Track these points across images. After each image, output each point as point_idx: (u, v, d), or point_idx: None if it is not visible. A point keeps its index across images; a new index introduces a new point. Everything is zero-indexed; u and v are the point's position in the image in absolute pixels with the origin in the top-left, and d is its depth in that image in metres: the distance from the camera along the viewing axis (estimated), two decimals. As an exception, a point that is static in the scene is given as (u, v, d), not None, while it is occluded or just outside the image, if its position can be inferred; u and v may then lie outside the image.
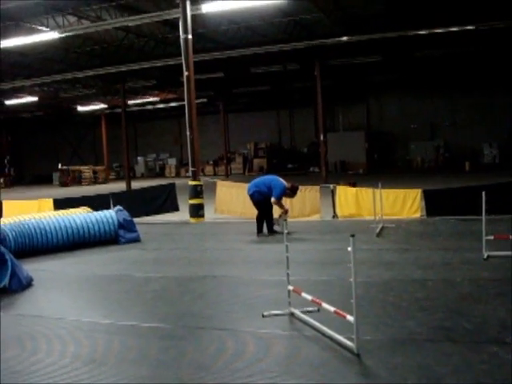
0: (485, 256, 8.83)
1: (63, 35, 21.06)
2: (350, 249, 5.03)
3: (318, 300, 5.94)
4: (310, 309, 6.29)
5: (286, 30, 24.54)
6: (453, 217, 13.35)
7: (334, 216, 15.08)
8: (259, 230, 12.83)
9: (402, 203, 14.42)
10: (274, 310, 6.47)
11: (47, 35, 20.70)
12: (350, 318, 5.17)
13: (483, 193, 8.75)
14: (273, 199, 12.54)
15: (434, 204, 13.92)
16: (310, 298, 6.09)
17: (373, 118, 42.41)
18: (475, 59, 30.98)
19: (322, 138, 28.94)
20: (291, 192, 12.99)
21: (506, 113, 35.71)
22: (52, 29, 20.94)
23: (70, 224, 12.13)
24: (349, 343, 5.21)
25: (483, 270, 8.18)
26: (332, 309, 5.60)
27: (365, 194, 14.73)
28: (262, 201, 12.81)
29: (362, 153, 39.40)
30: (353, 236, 5.04)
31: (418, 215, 14.24)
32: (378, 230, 11.88)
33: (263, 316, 6.36)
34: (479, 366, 4.75)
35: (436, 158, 39.15)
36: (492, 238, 9.01)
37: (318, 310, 6.17)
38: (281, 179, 12.91)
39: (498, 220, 11.89)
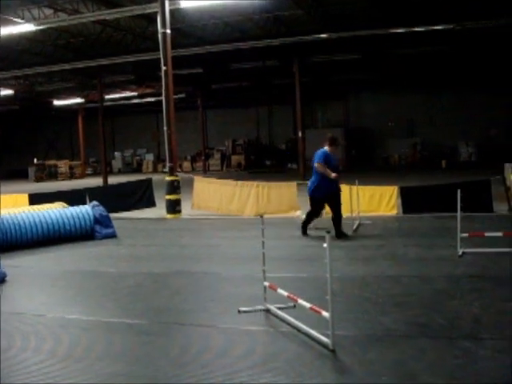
0: (460, 253, 8.90)
1: (39, 28, 20.82)
2: (325, 245, 5.03)
3: (293, 296, 5.93)
4: (286, 305, 6.29)
5: (265, 27, 24.53)
6: (428, 214, 13.45)
7: (311, 212, 15.08)
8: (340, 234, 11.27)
9: (379, 200, 14.49)
10: (250, 306, 6.46)
11: (23, 27, 20.43)
12: (325, 314, 5.17)
13: (458, 190, 8.82)
14: (316, 164, 11.30)
15: (410, 201, 14.02)
16: (285, 294, 6.08)
17: (351, 116, 42.62)
18: (453, 58, 31.21)
19: (299, 134, 28.98)
20: (331, 144, 11.57)
21: (483, 112, 36.10)
22: (28, 21, 20.69)
23: (46, 219, 12.00)
24: (324, 339, 5.22)
25: (458, 267, 8.25)
26: (308, 305, 5.60)
27: (342, 190, 14.74)
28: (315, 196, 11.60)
29: (340, 150, 39.45)
30: (328, 232, 5.05)
31: (394, 212, 14.32)
32: (354, 227, 11.94)
33: (239, 312, 6.34)
34: (453, 361, 4.79)
35: (413, 155, 39.45)
36: (467, 235, 9.09)
37: (294, 306, 6.17)
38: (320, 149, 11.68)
39: (474, 217, 12.02)
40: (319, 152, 11.42)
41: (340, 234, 11.09)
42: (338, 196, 11.56)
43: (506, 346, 5.10)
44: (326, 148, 11.49)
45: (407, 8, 21.86)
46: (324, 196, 11.43)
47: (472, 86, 35.84)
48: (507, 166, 19.70)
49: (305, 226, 11.73)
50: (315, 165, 11.31)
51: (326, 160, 11.27)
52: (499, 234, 9.36)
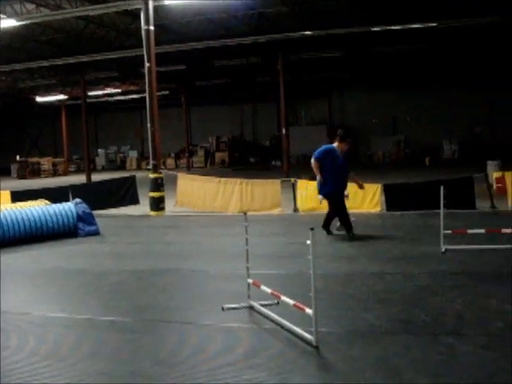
0: (443, 250, 8.95)
1: (21, 23, 20.61)
2: (308, 242, 5.03)
3: (277, 293, 5.93)
4: (270, 302, 6.29)
5: (249, 23, 24.46)
6: (412, 211, 13.52)
7: (295, 210, 15.12)
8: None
9: (362, 197, 14.52)
10: (234, 304, 6.45)
11: (4, 22, 20.19)
12: (308, 310, 5.17)
13: (441, 188, 8.86)
14: (311, 160, 11.03)
15: (393, 198, 14.08)
16: (269, 290, 6.08)
17: (335, 113, 42.70)
18: (436, 56, 31.34)
19: (283, 131, 28.97)
20: (341, 140, 10.94)
21: (466, 109, 36.34)
22: (9, 16, 20.47)
23: (28, 216, 11.90)
24: (308, 336, 5.22)
25: (441, 264, 8.29)
26: (291, 302, 5.60)
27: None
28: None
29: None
30: (312, 229, 5.04)
31: (377, 209, 14.37)
32: (338, 224, 11.94)
33: (223, 309, 6.33)
34: (436, 358, 4.81)
35: (397, 152, 39.65)
36: (450, 232, 9.14)
37: (278, 303, 6.17)
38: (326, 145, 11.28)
39: (456, 214, 12.10)
40: (321, 148, 11.03)
41: (326, 227, 11.06)
42: (340, 198, 10.98)
43: (489, 341, 5.13)
44: (335, 144, 10.95)
45: (390, 6, 21.90)
46: (333, 193, 10.86)
47: (455, 84, 36.04)
48: (490, 163, 19.96)
49: (326, 225, 11.12)
50: (311, 161, 11.03)
51: (325, 157, 10.79)
52: (482, 230, 9.43)
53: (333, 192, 10.88)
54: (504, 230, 9.46)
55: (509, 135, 33.66)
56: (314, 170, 10.92)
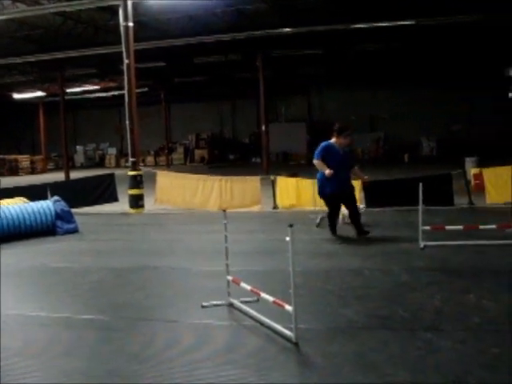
0: (421, 246, 9.01)
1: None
2: (287, 239, 5.03)
3: (256, 290, 5.93)
4: (250, 299, 6.29)
5: (229, 21, 24.40)
6: (391, 208, 13.59)
7: (275, 207, 15.13)
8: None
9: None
10: (214, 301, 6.44)
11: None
12: (288, 307, 5.18)
13: (420, 184, 8.92)
14: (313, 161, 10.52)
15: (372, 195, 14.11)
16: (248, 287, 6.08)
17: (314, 110, 42.77)
18: (416, 54, 31.51)
19: (263, 128, 28.96)
20: (338, 134, 10.51)
21: (445, 107, 36.56)
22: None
23: (5, 215, 11.76)
24: (287, 332, 5.23)
25: (419, 260, 8.36)
26: (271, 298, 5.60)
27: (305, 184, 14.80)
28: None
29: (304, 144, 39.75)
30: (291, 226, 5.04)
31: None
32: (318, 221, 11.97)
33: (202, 307, 6.32)
34: (414, 353, 4.84)
35: (376, 149, 39.80)
36: (428, 228, 9.21)
37: (258, 300, 6.17)
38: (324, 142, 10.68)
39: (435, 211, 12.20)
40: (319, 146, 10.49)
41: (332, 228, 10.67)
42: (349, 195, 10.55)
43: (467, 336, 5.18)
44: (333, 140, 10.48)
45: (369, 4, 21.96)
46: (331, 194, 10.44)
47: (434, 82, 36.21)
48: (468, 160, 20.14)
49: (332, 226, 10.72)
50: (313, 162, 10.51)
51: (325, 154, 10.30)
52: (460, 227, 9.53)
53: (331, 193, 10.41)
54: (482, 227, 9.58)
55: (485, 133, 34.02)
56: (320, 168, 10.35)
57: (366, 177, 11.27)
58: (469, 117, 36.26)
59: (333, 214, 10.73)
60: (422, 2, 21.10)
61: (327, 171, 10.13)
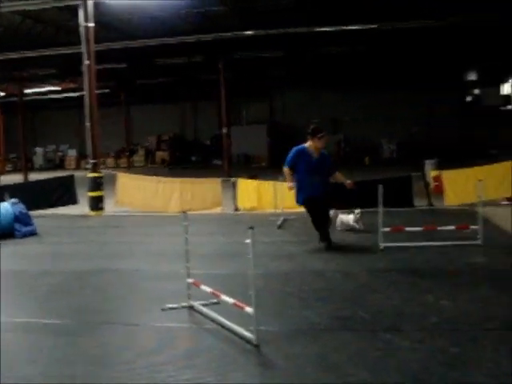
0: (381, 247, 9.10)
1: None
2: (248, 241, 5.02)
3: (217, 292, 5.90)
4: (210, 301, 6.25)
5: (193, 22, 24.30)
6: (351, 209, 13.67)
7: (236, 209, 15.11)
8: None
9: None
10: (174, 304, 6.40)
11: None
12: (248, 309, 5.17)
13: (380, 186, 9.00)
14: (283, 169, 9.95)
15: (333, 197, 14.16)
16: (209, 290, 6.05)
17: (275, 112, 42.90)
18: (377, 57, 31.83)
19: (224, 130, 28.94)
20: (312, 136, 9.79)
21: (405, 109, 37.07)
22: None
23: (-39, 217, 11.52)
24: (248, 335, 5.21)
25: (380, 261, 8.44)
26: (231, 301, 5.58)
27: (266, 186, 14.82)
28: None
29: (265, 146, 39.87)
30: (251, 228, 5.03)
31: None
32: (279, 223, 12.00)
33: (163, 310, 6.27)
34: (374, 353, 4.88)
35: (337, 152, 40.06)
36: (388, 229, 9.30)
37: (218, 303, 6.14)
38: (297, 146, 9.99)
39: (395, 212, 12.33)
40: (291, 151, 9.83)
41: (325, 237, 9.78)
42: (322, 199, 9.86)
43: (426, 336, 5.24)
44: (308, 144, 9.78)
45: (330, 7, 22.11)
46: (304, 200, 9.83)
47: (395, 85, 36.67)
48: (427, 162, 20.41)
49: (322, 235, 9.83)
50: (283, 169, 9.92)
51: (296, 160, 9.68)
52: (419, 228, 9.66)
53: (304, 199, 9.80)
54: (440, 228, 9.73)
55: (444, 136, 34.62)
56: (286, 176, 9.82)
57: (348, 181, 10.45)
58: (428, 120, 36.85)
59: (317, 221, 9.90)
60: (384, 6, 21.31)
61: (289, 184, 9.72)
